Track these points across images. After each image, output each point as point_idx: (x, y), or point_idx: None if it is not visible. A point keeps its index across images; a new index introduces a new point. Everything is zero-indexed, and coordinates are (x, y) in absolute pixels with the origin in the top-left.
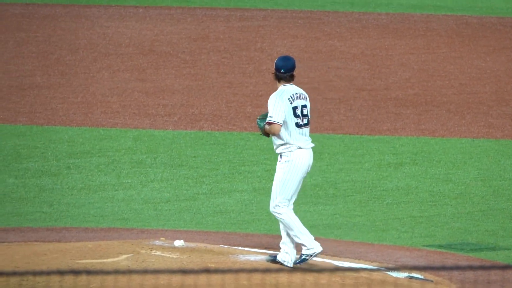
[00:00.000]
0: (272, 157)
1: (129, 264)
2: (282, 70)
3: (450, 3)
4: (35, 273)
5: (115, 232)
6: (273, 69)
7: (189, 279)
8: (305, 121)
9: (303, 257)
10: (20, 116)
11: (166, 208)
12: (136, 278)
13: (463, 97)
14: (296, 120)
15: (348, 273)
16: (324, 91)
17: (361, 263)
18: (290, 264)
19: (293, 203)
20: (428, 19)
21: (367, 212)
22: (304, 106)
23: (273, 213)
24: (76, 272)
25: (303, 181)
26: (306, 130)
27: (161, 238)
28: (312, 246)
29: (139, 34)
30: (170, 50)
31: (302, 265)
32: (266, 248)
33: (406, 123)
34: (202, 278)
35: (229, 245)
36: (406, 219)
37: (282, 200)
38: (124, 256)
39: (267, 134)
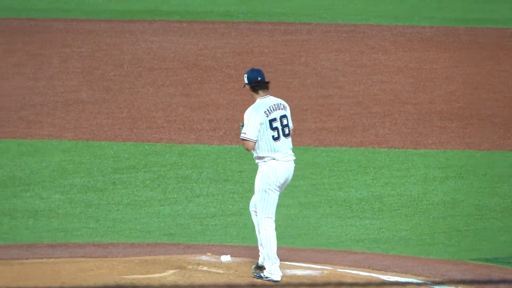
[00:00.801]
0: (318, 172)
1: (176, 279)
2: (259, 78)
3: (495, 16)
4: None
5: (162, 247)
6: (244, 85)
7: None
8: (286, 131)
9: (260, 275)
10: (65, 132)
11: (212, 223)
12: None
13: (508, 110)
14: (272, 133)
15: (395, 287)
16: (369, 105)
17: (408, 277)
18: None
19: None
20: (472, 32)
21: (413, 226)
22: (283, 116)
23: (251, 213)
24: None
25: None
26: (286, 142)
27: (208, 253)
28: (274, 272)
29: (184, 49)
30: (215, 64)
31: (347, 279)
32: (312, 263)
33: (451, 136)
34: None
35: None
36: (452, 233)
37: (266, 213)
38: (171, 272)
39: None
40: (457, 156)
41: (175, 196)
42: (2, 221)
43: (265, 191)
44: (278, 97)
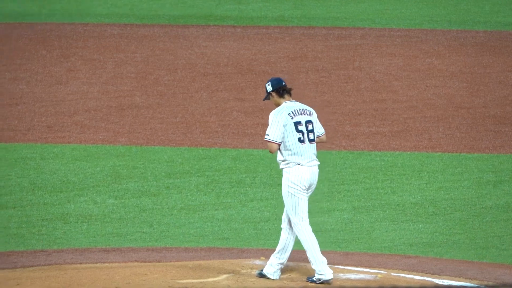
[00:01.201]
0: (371, 176)
1: (230, 284)
2: (283, 83)
3: None
4: None
5: (215, 251)
6: (264, 92)
7: None
8: (311, 136)
9: (313, 279)
10: (119, 137)
11: (266, 227)
12: None
13: None
14: (298, 135)
15: None
16: (423, 109)
17: (462, 281)
18: (273, 276)
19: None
20: None
21: (466, 230)
22: (308, 122)
23: (282, 229)
24: None
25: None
26: (311, 146)
27: (262, 258)
28: (323, 272)
29: (237, 54)
30: (269, 69)
31: (401, 283)
32: (366, 267)
33: (505, 140)
34: None
35: (329, 263)
36: (506, 237)
37: (299, 217)
38: (225, 276)
39: None
40: (510, 160)
41: (229, 200)
42: (56, 226)
43: (294, 195)
44: (329, 102)
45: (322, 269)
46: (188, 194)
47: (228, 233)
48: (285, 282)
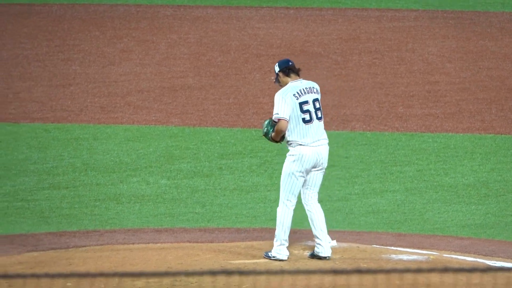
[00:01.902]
0: (424, 157)
1: (282, 264)
2: (290, 63)
3: None
4: (187, 274)
5: (268, 232)
6: (274, 74)
7: (341, 279)
8: (319, 114)
9: (268, 254)
10: (172, 117)
11: None
12: (289, 279)
13: None
14: (303, 115)
15: (500, 273)
16: (475, 91)
17: None
18: (324, 254)
19: (315, 198)
20: None
21: None
22: (316, 100)
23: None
24: (228, 272)
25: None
26: (319, 125)
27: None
28: (281, 252)
29: (290, 35)
30: (322, 51)
31: (453, 264)
32: (418, 248)
33: None
34: (354, 278)
35: (381, 245)
36: None
37: (287, 196)
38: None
39: (274, 139)
40: None
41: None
42: (108, 206)
43: (289, 175)
44: (382, 83)
45: (281, 249)
46: (240, 175)
47: None
48: (337, 263)
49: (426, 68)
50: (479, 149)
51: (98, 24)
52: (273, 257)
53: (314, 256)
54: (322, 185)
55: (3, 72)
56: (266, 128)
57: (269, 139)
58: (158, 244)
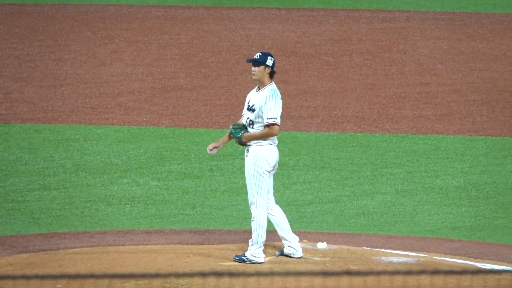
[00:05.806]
0: (415, 159)
1: (272, 266)
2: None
3: None
4: (178, 275)
5: None
6: (265, 66)
7: (331, 281)
8: None
9: (242, 258)
10: (163, 119)
11: (308, 210)
12: (278, 280)
13: None
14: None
15: (490, 275)
16: (467, 93)
17: (504, 265)
18: (298, 255)
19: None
20: None
21: (510, 214)
22: None
23: (251, 210)
24: (218, 274)
25: None
26: None
27: (304, 240)
28: (257, 255)
29: (282, 36)
30: (313, 52)
31: (443, 267)
32: (408, 250)
33: None
34: (344, 280)
35: (372, 247)
36: None
37: (261, 196)
38: (267, 259)
39: (242, 143)
40: None
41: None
42: (98, 207)
43: (261, 175)
44: (373, 85)
45: (258, 252)
46: (231, 176)
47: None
48: (327, 265)
49: (417, 70)
50: (470, 151)
51: (90, 25)
52: (250, 260)
53: (284, 255)
54: (312, 186)
55: None
56: (239, 134)
57: (238, 141)
58: (149, 246)
